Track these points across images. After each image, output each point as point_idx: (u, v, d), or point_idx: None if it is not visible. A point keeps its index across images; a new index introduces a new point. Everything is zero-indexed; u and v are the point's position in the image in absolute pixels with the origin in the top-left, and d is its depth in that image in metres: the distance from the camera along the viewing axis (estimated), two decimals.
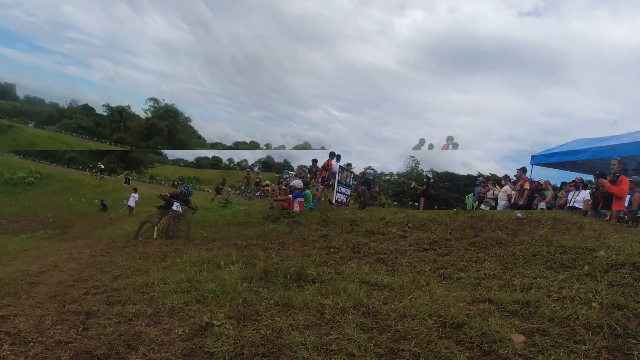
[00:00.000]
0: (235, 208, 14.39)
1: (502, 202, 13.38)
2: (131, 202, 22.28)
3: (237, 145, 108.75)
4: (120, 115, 65.83)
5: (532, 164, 13.75)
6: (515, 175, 13.22)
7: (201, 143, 77.44)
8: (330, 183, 13.75)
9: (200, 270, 6.24)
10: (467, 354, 3.18)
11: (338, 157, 14.53)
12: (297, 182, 12.93)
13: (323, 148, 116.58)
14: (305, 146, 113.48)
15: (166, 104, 62.78)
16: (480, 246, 6.79)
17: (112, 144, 55.95)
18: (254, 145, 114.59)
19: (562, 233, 7.50)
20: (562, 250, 6.19)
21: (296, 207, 12.15)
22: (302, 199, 12.46)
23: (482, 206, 14.59)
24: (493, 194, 14.58)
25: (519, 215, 8.85)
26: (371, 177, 14.75)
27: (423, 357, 3.14)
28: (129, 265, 8.61)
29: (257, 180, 25.03)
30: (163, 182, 50.11)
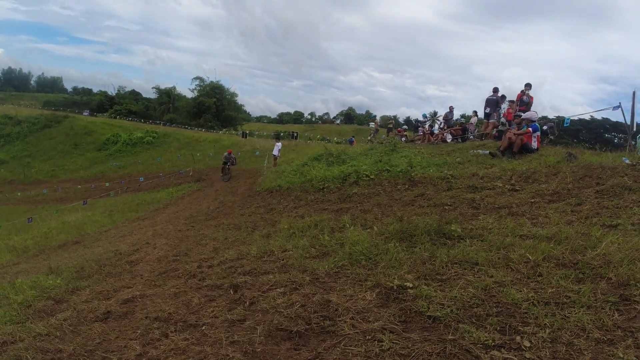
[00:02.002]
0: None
1: None
2: (275, 152, 23.40)
3: (282, 117, 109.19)
4: (168, 97, 67.19)
5: None
6: None
7: (247, 117, 78.06)
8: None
9: (316, 235, 6.04)
10: None
11: None
12: (532, 114, 11.56)
13: (368, 112, 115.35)
14: (350, 111, 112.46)
15: (211, 82, 63.06)
16: (610, 194, 6.20)
17: (164, 124, 57.12)
18: (298, 115, 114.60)
19: None
20: None
21: (534, 143, 10.86)
22: (539, 133, 11.19)
23: None
24: None
25: (627, 161, 8.09)
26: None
27: None
28: (224, 237, 8.60)
29: (390, 126, 24.98)
30: (265, 134, 51.60)
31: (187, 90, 71.38)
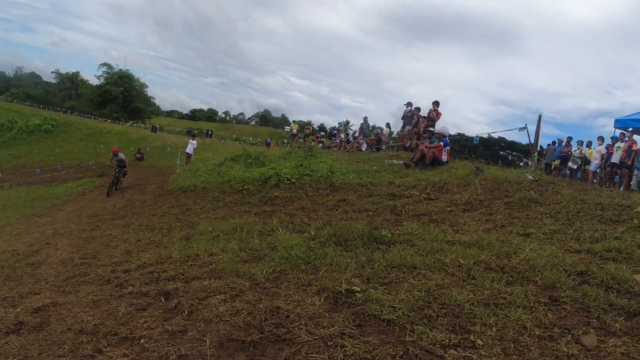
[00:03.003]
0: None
1: (595, 162, 14.09)
2: (189, 150, 21.95)
3: (195, 113, 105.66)
4: (71, 83, 61.92)
5: (615, 127, 14.33)
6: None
7: (157, 110, 74.38)
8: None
9: (244, 239, 5.88)
10: (610, 295, 3.22)
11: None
12: (444, 130, 12.06)
13: (283, 116, 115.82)
14: (266, 114, 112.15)
15: (120, 70, 59.11)
16: (518, 205, 6.81)
17: (65, 112, 52.46)
18: (211, 113, 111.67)
19: (584, 192, 7.65)
20: (600, 207, 6.30)
21: (444, 156, 11.37)
22: (449, 147, 11.72)
23: (570, 164, 15.09)
24: (580, 153, 15.09)
25: (529, 177, 8.97)
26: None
27: (579, 302, 3.13)
28: (136, 238, 8.12)
29: (307, 132, 24.74)
30: (177, 130, 48.39)
31: (92, 77, 66.22)
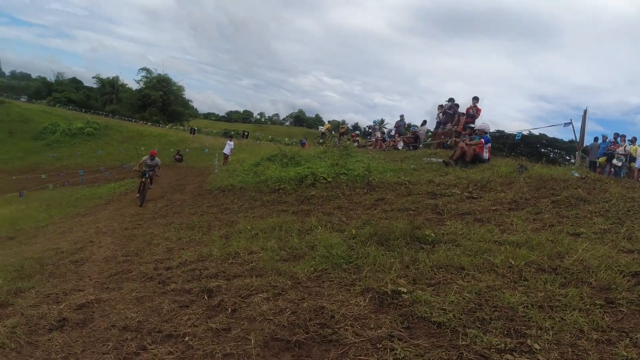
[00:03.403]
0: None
1: None
2: (226, 150, 22.50)
3: (230, 115, 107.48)
4: (111, 87, 64.04)
5: None
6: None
7: (194, 113, 76.02)
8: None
9: (283, 237, 5.87)
10: None
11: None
12: (486, 126, 11.75)
13: (317, 115, 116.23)
14: (300, 114, 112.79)
15: (159, 74, 60.72)
16: (566, 204, 6.51)
17: (106, 115, 54.36)
18: (247, 114, 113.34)
19: (633, 190, 7.29)
20: None
21: (485, 154, 11.09)
22: (490, 144, 11.44)
23: (614, 161, 14.65)
24: (624, 149, 14.64)
25: (576, 175, 8.58)
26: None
27: (636, 304, 2.97)
28: (177, 237, 8.23)
29: (342, 130, 24.97)
30: (214, 132, 49.73)
31: (131, 81, 68.35)
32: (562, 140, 46.40)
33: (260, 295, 3.51)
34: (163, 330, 3.12)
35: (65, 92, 66.26)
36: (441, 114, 16.09)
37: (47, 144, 44.71)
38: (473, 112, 14.55)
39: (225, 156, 22.50)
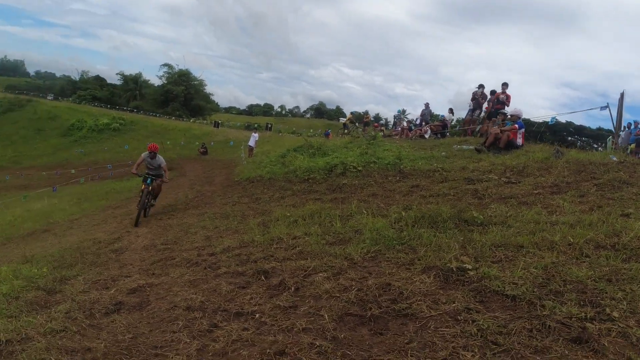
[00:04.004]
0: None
1: None
2: (251, 142, 22.77)
3: (251, 109, 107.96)
4: (135, 84, 64.99)
5: None
6: None
7: (215, 107, 76.60)
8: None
9: (323, 223, 5.91)
10: None
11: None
12: (518, 111, 11.63)
13: (338, 107, 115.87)
14: (320, 106, 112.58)
15: (180, 70, 61.30)
16: (609, 186, 6.42)
17: (131, 111, 55.20)
18: (267, 108, 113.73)
19: None
20: None
21: (519, 139, 11.05)
22: (524, 130, 11.36)
23: None
24: None
25: (614, 159, 8.41)
26: None
27: None
28: (214, 225, 8.32)
29: (366, 120, 25.07)
30: (238, 125, 50.32)
31: (154, 77, 69.38)
32: (589, 127, 45.34)
33: (320, 274, 3.55)
34: (229, 310, 3.18)
35: (89, 90, 67.34)
36: (472, 101, 15.87)
37: (75, 140, 45.51)
38: (503, 99, 14.30)
39: (251, 148, 22.67)
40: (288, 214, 7.22)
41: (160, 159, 11.24)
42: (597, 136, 38.39)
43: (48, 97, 64.72)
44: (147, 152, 11.10)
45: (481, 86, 15.70)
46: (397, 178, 9.44)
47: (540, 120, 16.45)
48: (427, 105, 19.76)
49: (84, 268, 6.26)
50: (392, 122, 23.04)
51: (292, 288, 3.36)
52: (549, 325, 2.38)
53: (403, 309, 2.70)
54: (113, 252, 7.44)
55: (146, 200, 10.76)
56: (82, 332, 3.43)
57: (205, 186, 15.64)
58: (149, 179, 10.94)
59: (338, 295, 3.05)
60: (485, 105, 15.41)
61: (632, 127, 16.28)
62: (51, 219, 14.30)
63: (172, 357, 2.63)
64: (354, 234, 5.01)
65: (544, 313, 2.51)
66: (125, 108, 57.20)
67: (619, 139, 16.09)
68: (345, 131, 23.62)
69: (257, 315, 2.98)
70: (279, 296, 3.27)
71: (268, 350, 2.45)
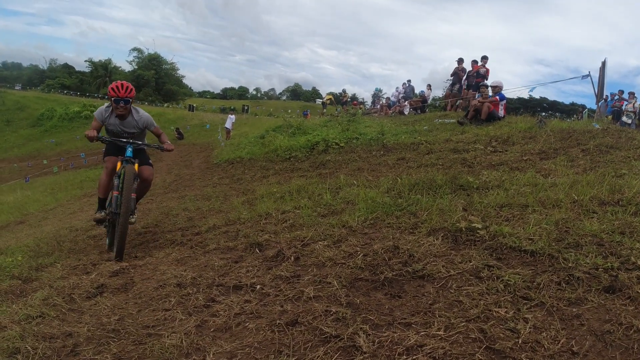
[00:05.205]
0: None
1: None
2: (228, 125, 22.24)
3: (226, 92, 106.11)
4: (105, 70, 62.86)
5: None
6: None
7: (189, 92, 75.00)
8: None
9: (311, 196, 5.72)
10: None
11: None
12: (500, 82, 11.47)
13: (314, 89, 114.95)
14: (296, 88, 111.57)
15: (150, 54, 59.53)
16: (597, 151, 6.46)
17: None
18: (242, 91, 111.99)
19: None
20: None
21: (501, 111, 10.93)
22: (505, 101, 11.28)
23: (624, 118, 14.50)
24: (634, 106, 14.47)
25: (597, 126, 8.50)
26: None
27: None
28: (196, 207, 8.06)
29: (345, 99, 24.85)
30: (213, 108, 49.29)
31: (124, 62, 67.18)
32: (562, 103, 46.27)
33: (320, 243, 3.37)
34: (224, 284, 2.96)
35: (58, 79, 65.04)
36: (452, 76, 15.85)
37: (46, 130, 44.07)
38: (483, 72, 14.29)
39: (228, 130, 22.25)
40: (275, 190, 7.01)
41: (142, 114, 5.69)
42: (570, 111, 39.19)
43: (16, 88, 62.40)
44: (108, 104, 5.51)
45: (461, 60, 15.65)
46: (382, 152, 9.32)
47: (518, 92, 16.66)
48: (409, 81, 19.69)
49: (62, 255, 5.93)
50: (370, 102, 22.92)
51: (292, 258, 3.17)
52: (578, 277, 2.27)
53: (417, 271, 2.55)
54: (91, 238, 7.11)
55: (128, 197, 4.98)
56: (61, 317, 3.14)
57: (184, 169, 15.26)
58: (129, 148, 5.36)
59: (343, 262, 2.87)
60: (464, 78, 15.40)
61: (609, 99, 16.62)
62: (25, 210, 13.75)
63: (167, 336, 2.41)
64: (346, 204, 4.84)
65: (569, 265, 2.41)
66: (95, 95, 55.41)
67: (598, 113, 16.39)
68: (324, 110, 23.41)
69: (258, 287, 2.77)
70: (278, 267, 3.06)
71: (278, 321, 2.25)
